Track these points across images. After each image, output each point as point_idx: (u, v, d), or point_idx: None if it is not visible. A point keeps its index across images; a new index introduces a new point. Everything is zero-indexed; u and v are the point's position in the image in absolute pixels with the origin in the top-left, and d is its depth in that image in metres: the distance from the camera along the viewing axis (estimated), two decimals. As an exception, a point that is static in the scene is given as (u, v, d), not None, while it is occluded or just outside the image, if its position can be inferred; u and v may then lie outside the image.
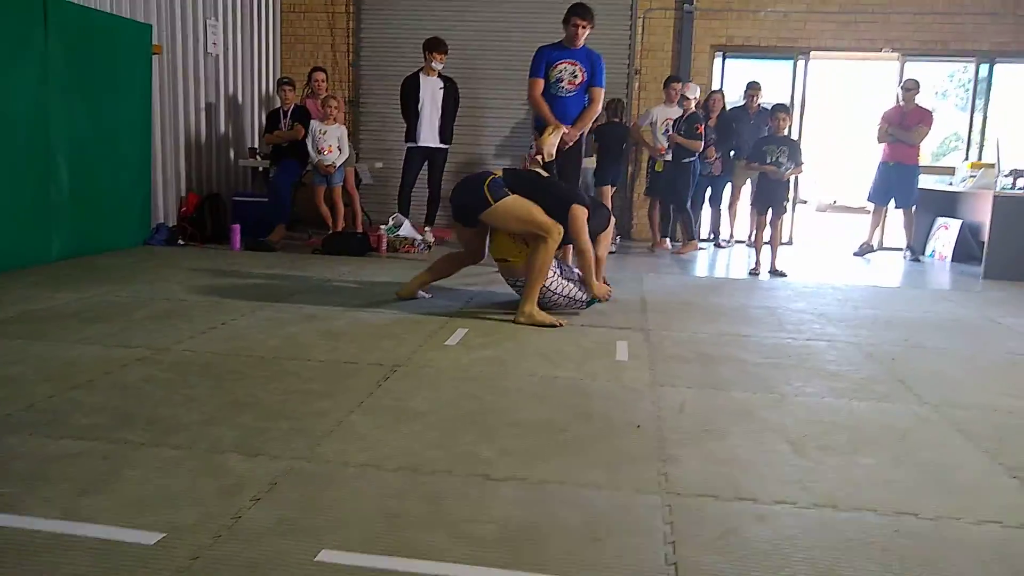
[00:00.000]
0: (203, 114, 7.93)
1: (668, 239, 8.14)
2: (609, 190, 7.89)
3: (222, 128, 8.31)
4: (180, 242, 7.13)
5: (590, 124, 5.85)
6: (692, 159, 7.67)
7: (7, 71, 5.37)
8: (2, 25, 5.32)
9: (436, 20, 8.79)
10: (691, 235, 7.85)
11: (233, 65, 8.38)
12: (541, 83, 5.53)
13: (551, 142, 5.31)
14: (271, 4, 8.99)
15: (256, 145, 8.63)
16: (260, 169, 8.23)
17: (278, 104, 7.56)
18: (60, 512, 2.02)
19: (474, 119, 8.78)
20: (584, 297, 4.68)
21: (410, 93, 7.28)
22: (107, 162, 6.41)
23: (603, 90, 5.67)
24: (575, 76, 5.50)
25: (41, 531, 1.92)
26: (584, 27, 5.43)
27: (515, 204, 4.36)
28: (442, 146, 7.39)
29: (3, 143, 5.39)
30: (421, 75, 7.25)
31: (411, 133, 7.32)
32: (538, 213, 4.33)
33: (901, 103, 7.79)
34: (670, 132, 7.72)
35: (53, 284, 5.04)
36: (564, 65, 5.49)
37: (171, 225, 7.33)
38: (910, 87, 7.72)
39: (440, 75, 7.31)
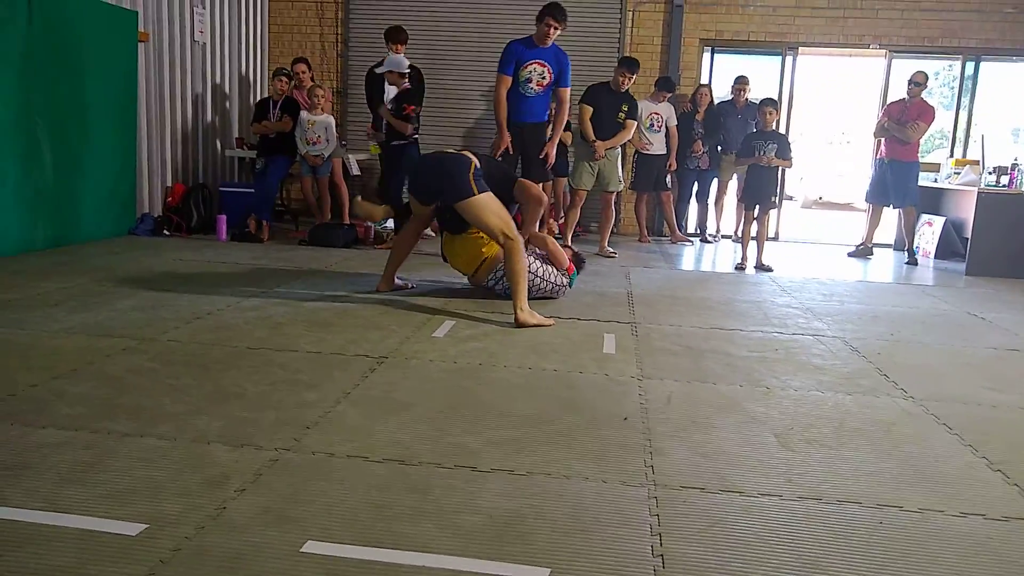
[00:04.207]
0: (189, 103, 7.85)
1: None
2: (560, 181, 7.89)
3: (209, 117, 8.23)
4: (165, 232, 7.06)
5: (562, 129, 5.95)
6: (403, 142, 6.77)
7: (-11, 57, 5.31)
8: (-16, 10, 5.25)
9: (425, 9, 8.75)
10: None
11: (220, 54, 8.30)
12: (509, 81, 5.58)
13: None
14: (259, -8, 8.92)
15: (243, 135, 8.56)
16: (247, 159, 8.17)
17: (267, 94, 7.49)
18: (43, 502, 2.01)
19: (446, 108, 8.76)
20: (565, 280, 4.87)
21: (374, 84, 7.12)
22: (91, 151, 6.34)
23: (569, 90, 5.81)
24: (543, 77, 5.59)
25: (23, 522, 1.90)
26: (557, 28, 5.46)
27: (494, 200, 4.35)
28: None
29: (-15, 130, 5.32)
30: None
31: (378, 124, 7.23)
32: (508, 216, 4.39)
33: (905, 97, 7.54)
34: (655, 126, 7.82)
35: (37, 273, 4.99)
36: (534, 66, 5.54)
37: (156, 215, 7.26)
38: (919, 81, 7.40)
39: None
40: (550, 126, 6.12)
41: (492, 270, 4.73)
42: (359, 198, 5.38)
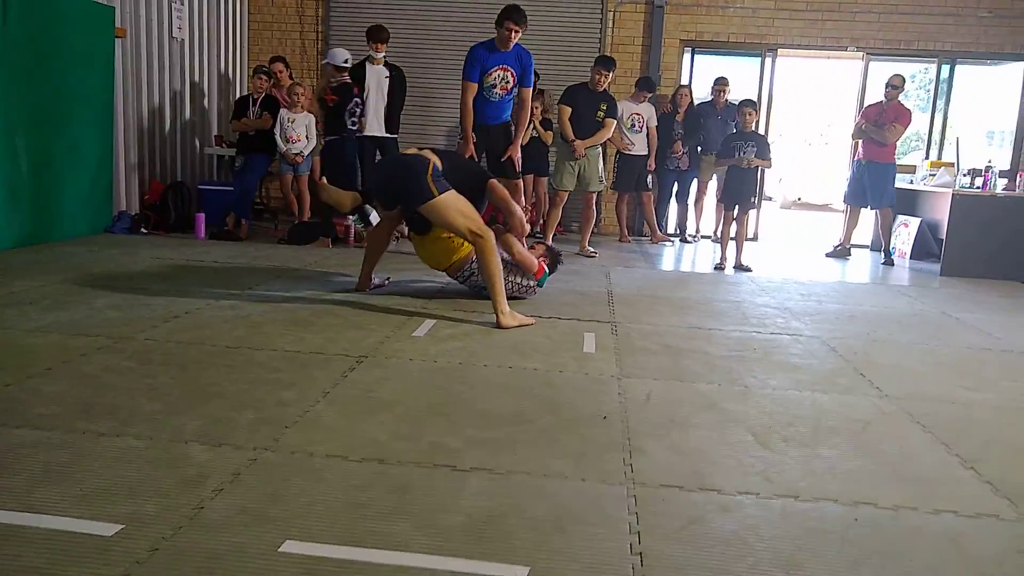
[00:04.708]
0: (168, 100, 7.78)
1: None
2: (541, 181, 7.95)
3: (187, 115, 8.16)
4: (143, 230, 7.00)
5: (525, 128, 5.95)
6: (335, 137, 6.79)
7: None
8: (-43, 4, 5.17)
9: (406, 8, 8.73)
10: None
11: (199, 50, 8.22)
12: (476, 88, 5.56)
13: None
14: (238, -11, 8.85)
15: (222, 132, 8.50)
16: (226, 157, 8.11)
17: (247, 91, 7.44)
18: (17, 503, 1.98)
19: (427, 107, 8.76)
20: (532, 282, 4.78)
21: (356, 82, 7.14)
22: (68, 148, 6.26)
23: (531, 89, 5.83)
24: (507, 82, 5.59)
25: (-4, 522, 1.88)
26: (517, 32, 5.45)
27: (458, 199, 4.24)
28: (390, 135, 7.27)
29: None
30: (367, 64, 7.14)
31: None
32: (475, 213, 4.30)
33: (883, 100, 7.61)
34: (635, 126, 7.86)
35: (11, 271, 4.92)
36: (498, 72, 5.54)
37: (133, 213, 7.19)
38: (896, 84, 7.48)
39: (386, 63, 7.19)
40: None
41: (461, 269, 4.72)
42: (324, 179, 5.33)
